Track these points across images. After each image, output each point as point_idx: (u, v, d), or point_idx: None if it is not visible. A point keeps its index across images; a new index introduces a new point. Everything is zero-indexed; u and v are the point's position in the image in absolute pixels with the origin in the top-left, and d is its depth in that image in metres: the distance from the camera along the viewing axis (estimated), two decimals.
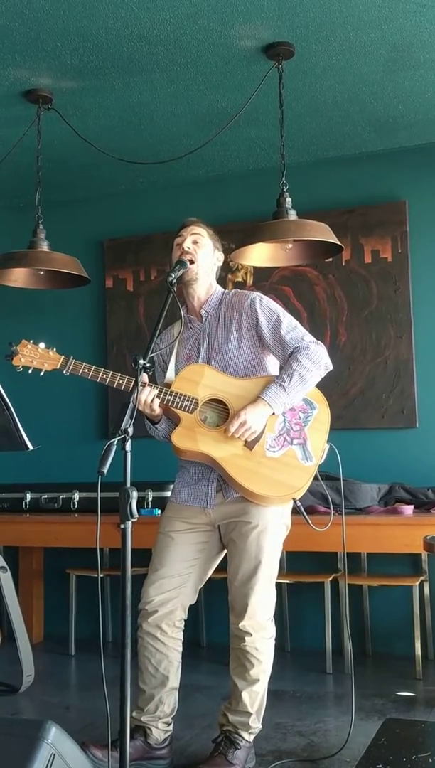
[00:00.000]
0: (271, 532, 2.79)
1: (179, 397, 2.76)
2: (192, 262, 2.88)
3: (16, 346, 2.79)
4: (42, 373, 2.81)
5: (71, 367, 2.78)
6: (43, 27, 3.34)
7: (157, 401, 2.77)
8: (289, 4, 3.22)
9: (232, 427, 2.71)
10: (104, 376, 2.77)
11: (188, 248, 2.88)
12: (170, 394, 2.76)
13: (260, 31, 3.40)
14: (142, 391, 2.74)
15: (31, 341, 2.80)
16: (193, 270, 2.88)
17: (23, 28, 3.34)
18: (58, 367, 2.79)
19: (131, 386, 2.69)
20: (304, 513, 2.79)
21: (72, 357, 2.80)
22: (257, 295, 2.92)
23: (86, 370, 2.78)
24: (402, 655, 4.22)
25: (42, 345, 2.80)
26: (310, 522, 2.77)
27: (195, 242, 2.91)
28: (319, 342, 2.86)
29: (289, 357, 2.80)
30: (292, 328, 2.84)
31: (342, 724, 3.24)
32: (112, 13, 3.25)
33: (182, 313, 2.97)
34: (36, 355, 2.79)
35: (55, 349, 2.81)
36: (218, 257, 3.00)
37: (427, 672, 3.98)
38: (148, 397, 2.76)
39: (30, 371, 2.80)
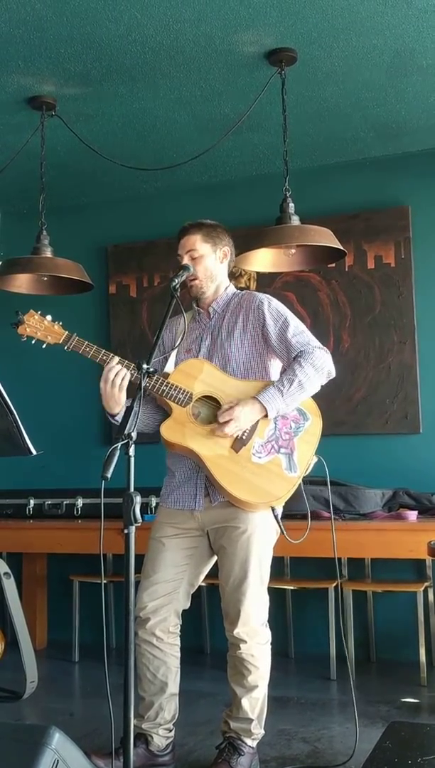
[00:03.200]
0: (261, 536, 2.78)
1: (174, 389, 2.75)
2: (194, 278, 2.89)
3: (24, 315, 2.79)
4: (44, 346, 2.82)
5: (73, 343, 2.78)
6: (47, 34, 3.35)
7: (125, 383, 2.73)
8: (291, 11, 3.23)
9: (221, 417, 2.70)
10: (104, 357, 2.77)
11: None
12: (165, 385, 2.75)
13: (263, 37, 3.41)
14: (113, 368, 2.72)
15: (39, 312, 2.81)
16: (197, 285, 2.90)
17: (27, 35, 3.36)
18: (60, 341, 2.79)
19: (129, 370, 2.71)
20: (280, 523, 2.79)
21: (75, 334, 2.80)
22: (266, 297, 2.92)
23: (87, 349, 2.77)
24: (406, 662, 4.21)
25: (48, 317, 2.81)
26: (284, 532, 2.77)
27: (192, 258, 2.90)
28: (324, 348, 2.85)
29: (292, 360, 2.80)
30: (299, 332, 2.84)
31: (346, 730, 3.23)
32: (115, 20, 3.26)
33: (193, 305, 2.98)
34: (41, 327, 2.79)
35: (61, 324, 2.81)
36: (225, 252, 2.96)
37: (431, 678, 3.96)
38: (119, 375, 2.72)
39: (33, 342, 2.80)
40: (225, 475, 2.71)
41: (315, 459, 2.80)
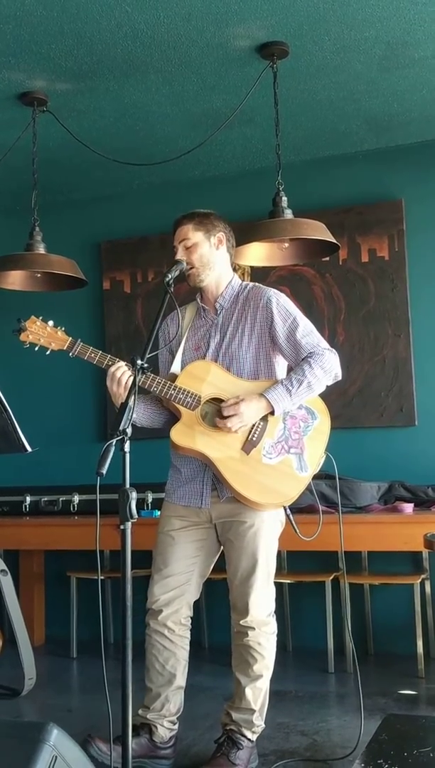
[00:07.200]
0: (267, 530, 2.79)
1: (182, 393, 2.75)
2: (191, 267, 2.87)
3: (25, 321, 2.77)
4: (48, 352, 2.79)
5: (78, 349, 2.76)
6: (37, 29, 3.34)
7: (130, 380, 2.69)
8: (282, 4, 3.22)
9: (225, 411, 2.69)
10: (110, 362, 2.76)
11: (181, 258, 2.87)
12: (173, 389, 2.75)
13: (254, 30, 3.40)
14: (120, 368, 2.72)
15: (41, 318, 2.78)
16: (194, 274, 2.87)
17: (17, 31, 3.34)
18: (65, 348, 2.77)
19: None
20: (293, 522, 2.82)
21: (79, 339, 2.78)
22: (274, 294, 2.88)
23: (92, 355, 2.76)
24: (404, 654, 4.22)
25: (51, 323, 2.79)
26: (298, 531, 2.80)
27: (186, 247, 2.88)
28: (333, 350, 2.83)
29: (302, 361, 2.79)
30: (308, 332, 2.83)
31: (345, 723, 3.24)
32: (106, 15, 3.25)
33: (197, 300, 2.95)
34: (44, 333, 2.77)
35: (63, 329, 2.79)
36: (219, 238, 2.91)
37: (429, 670, 3.97)
38: (125, 373, 2.71)
39: (36, 348, 2.78)
40: (236, 477, 2.71)
41: (324, 456, 2.81)
